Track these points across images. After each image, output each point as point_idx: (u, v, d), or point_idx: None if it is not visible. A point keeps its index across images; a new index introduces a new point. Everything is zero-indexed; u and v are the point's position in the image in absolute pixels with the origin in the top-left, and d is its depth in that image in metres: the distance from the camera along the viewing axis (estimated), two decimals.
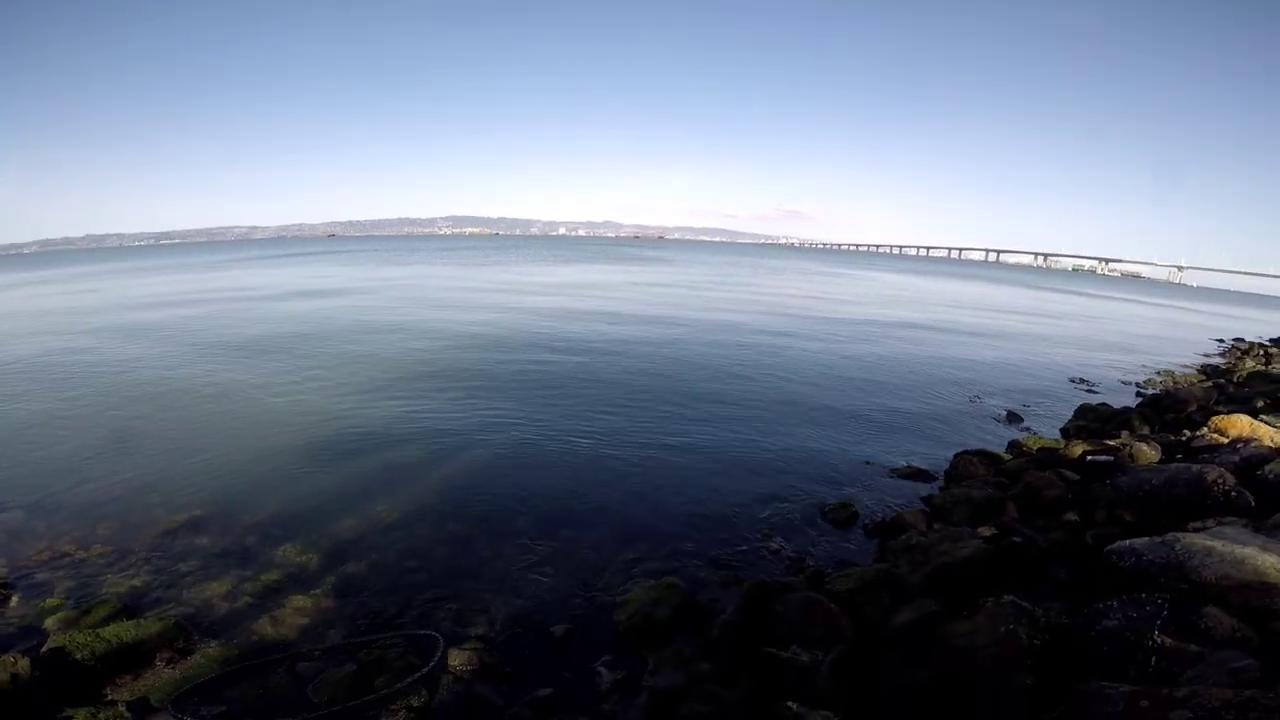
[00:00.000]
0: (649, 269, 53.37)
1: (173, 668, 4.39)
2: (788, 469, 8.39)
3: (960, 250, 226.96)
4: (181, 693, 4.11)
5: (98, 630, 4.47)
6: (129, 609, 4.99)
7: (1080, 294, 59.63)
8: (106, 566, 5.75)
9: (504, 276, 40.61)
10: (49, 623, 4.81)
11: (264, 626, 4.89)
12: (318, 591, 5.35)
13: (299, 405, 10.79)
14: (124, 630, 4.52)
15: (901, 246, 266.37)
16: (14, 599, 5.20)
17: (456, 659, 4.44)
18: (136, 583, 5.48)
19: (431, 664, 4.36)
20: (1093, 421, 10.65)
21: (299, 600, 5.21)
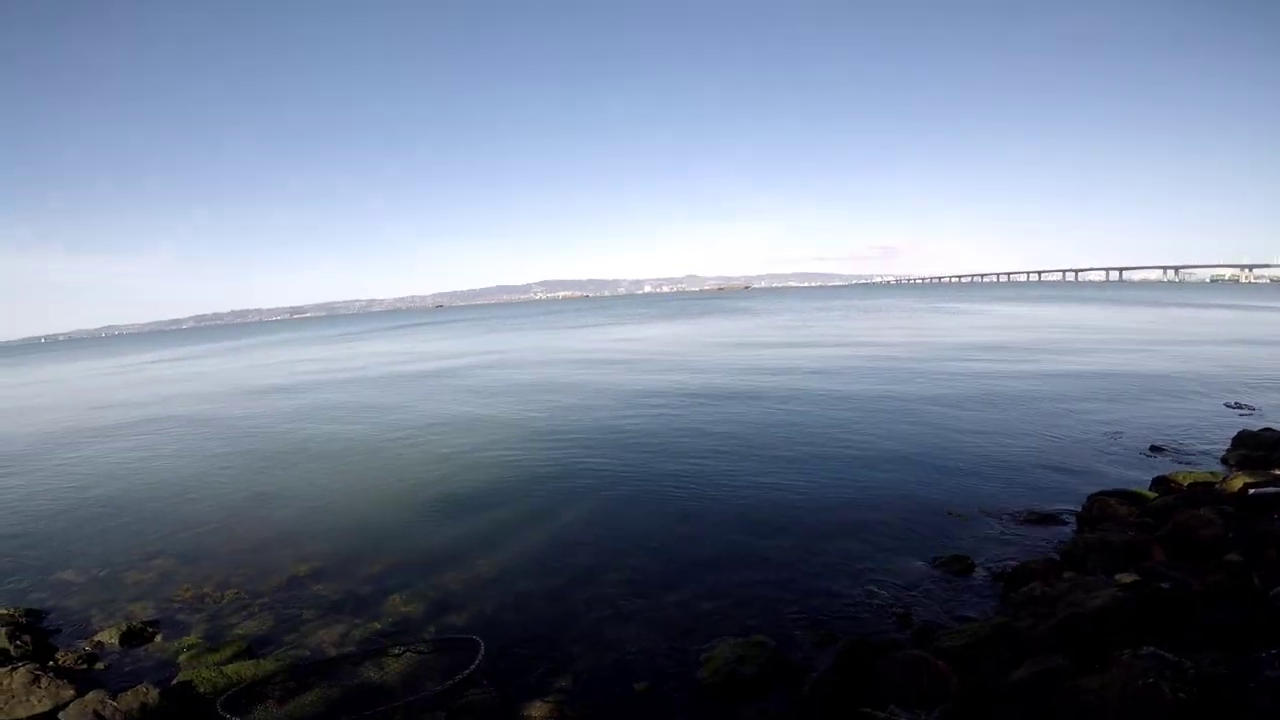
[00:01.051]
0: (730, 321, 53.13)
1: (280, 704, 4.69)
2: (895, 518, 7.81)
3: (1077, 272, 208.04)
4: (230, 694, 4.45)
5: (221, 667, 4.90)
6: (251, 649, 5.47)
7: (1223, 306, 52.30)
8: (238, 609, 6.34)
9: (594, 338, 41.90)
10: (182, 658, 5.35)
11: (368, 671, 5.12)
12: (419, 642, 5.55)
13: (413, 464, 11.63)
14: (244, 669, 4.92)
15: (1010, 273, 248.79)
16: (157, 636, 5.87)
17: (538, 710, 4.45)
18: (261, 625, 6.00)
19: (472, 667, 4.57)
20: (1256, 450, 9.18)
21: (399, 649, 5.42)
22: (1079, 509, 7.62)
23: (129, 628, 5.86)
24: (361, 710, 4.61)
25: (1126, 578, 5.42)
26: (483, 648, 4.75)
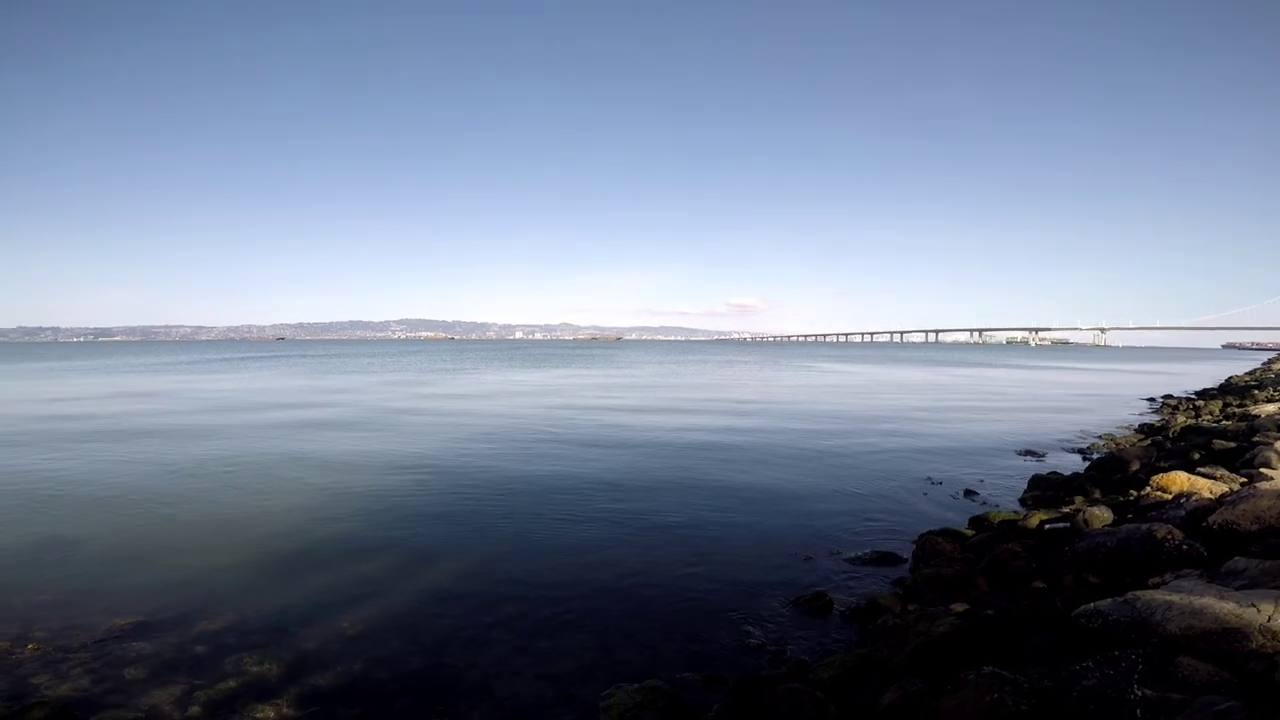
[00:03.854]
0: (610, 370, 54.12)
1: None
2: (756, 560, 8.28)
3: (902, 334, 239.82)
4: None
5: None
6: (68, 710, 4.56)
7: (1016, 367, 63.13)
8: (43, 667, 5.29)
9: (469, 381, 40.36)
10: None
11: None
12: (280, 701, 4.92)
13: (254, 513, 10.27)
14: None
15: (847, 334, 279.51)
16: None
17: None
18: (77, 685, 5.04)
19: None
20: (1046, 491, 10.99)
21: (260, 709, 4.80)
22: (913, 547, 8.55)
23: None
24: None
25: (959, 606, 6.19)
26: None
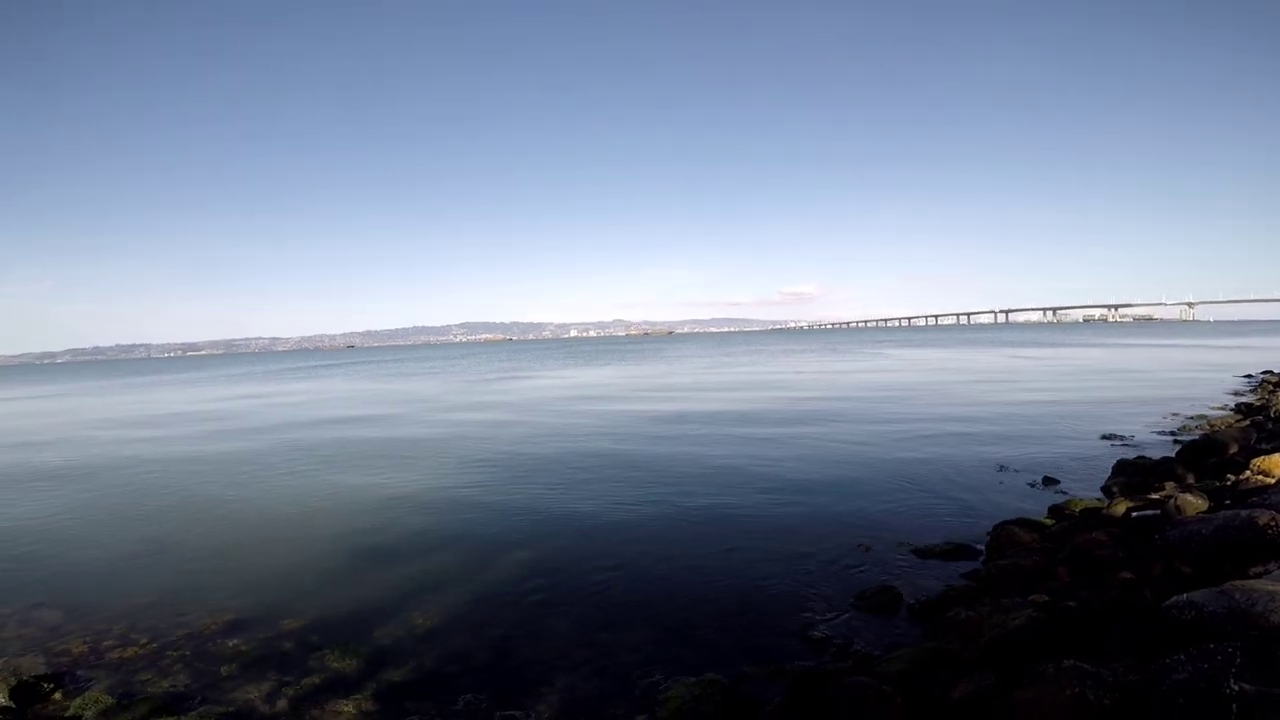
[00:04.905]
0: (660, 365, 54.18)
1: None
2: (818, 553, 8.14)
3: (969, 315, 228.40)
4: None
5: None
6: (170, 706, 4.96)
7: (1096, 345, 58.93)
8: (146, 665, 5.77)
9: (523, 383, 41.30)
10: (88, 715, 4.75)
11: None
12: (358, 696, 5.22)
13: (333, 512, 10.92)
14: None
15: (910, 318, 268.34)
16: (56, 693, 5.18)
17: None
18: (176, 682, 5.48)
19: None
20: (1133, 477, 10.30)
21: (340, 704, 5.09)
22: (987, 538, 8.18)
23: (18, 683, 5.12)
24: None
25: (1038, 598, 5.90)
26: None
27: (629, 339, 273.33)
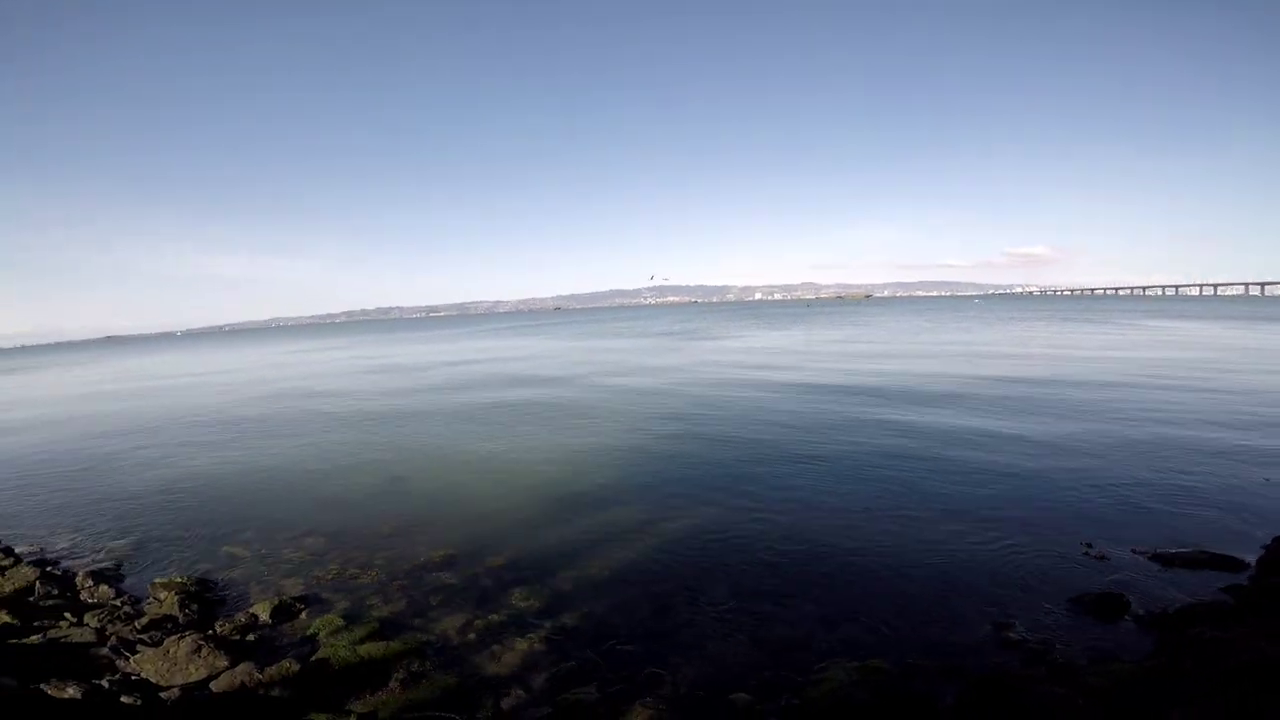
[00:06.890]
0: (849, 330, 50.70)
1: (404, 688, 4.91)
2: (1036, 549, 7.07)
3: (1263, 285, 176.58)
4: None
5: (355, 646, 5.27)
6: (383, 630, 5.82)
7: None
8: (375, 591, 6.81)
9: (711, 343, 41.69)
10: (322, 635, 5.79)
11: (484, 662, 5.34)
12: (533, 635, 5.72)
13: (536, 462, 12.01)
14: (375, 649, 5.28)
15: (1178, 286, 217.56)
16: (303, 612, 6.38)
17: (638, 715, 4.48)
18: (394, 609, 6.38)
19: None
20: None
21: (517, 642, 5.62)
22: (1259, 551, 6.72)
23: (279, 603, 6.39)
24: (473, 700, 4.73)
25: None
26: None
27: (820, 302, 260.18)
